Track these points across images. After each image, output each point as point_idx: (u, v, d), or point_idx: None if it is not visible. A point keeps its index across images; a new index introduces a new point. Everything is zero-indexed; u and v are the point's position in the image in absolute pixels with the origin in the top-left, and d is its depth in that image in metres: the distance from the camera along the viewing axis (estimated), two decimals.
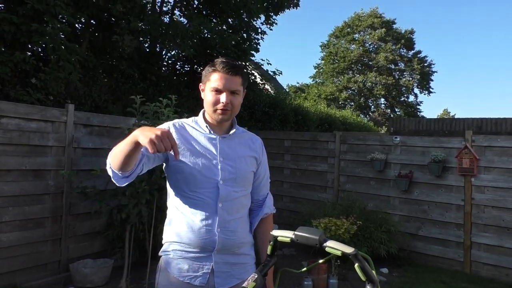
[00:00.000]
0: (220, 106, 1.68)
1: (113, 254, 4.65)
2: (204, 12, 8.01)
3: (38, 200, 4.30)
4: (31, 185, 4.22)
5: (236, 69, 1.69)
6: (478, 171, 5.37)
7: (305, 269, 1.54)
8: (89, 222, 4.77)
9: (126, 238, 4.31)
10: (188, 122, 1.82)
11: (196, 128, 1.78)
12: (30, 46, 5.43)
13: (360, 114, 24.79)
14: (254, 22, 8.33)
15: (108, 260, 4.53)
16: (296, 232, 1.34)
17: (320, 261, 1.48)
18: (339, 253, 1.24)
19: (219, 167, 1.72)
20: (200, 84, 1.79)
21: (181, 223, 1.71)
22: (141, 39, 7.24)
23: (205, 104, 1.75)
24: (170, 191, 1.79)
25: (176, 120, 1.83)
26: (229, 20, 7.86)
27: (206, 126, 1.76)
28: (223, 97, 1.67)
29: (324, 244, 1.28)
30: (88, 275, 4.22)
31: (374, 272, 1.25)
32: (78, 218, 4.67)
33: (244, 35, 7.90)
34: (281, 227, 1.60)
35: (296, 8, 8.64)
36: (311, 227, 1.38)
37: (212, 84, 1.69)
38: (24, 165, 4.15)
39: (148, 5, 7.31)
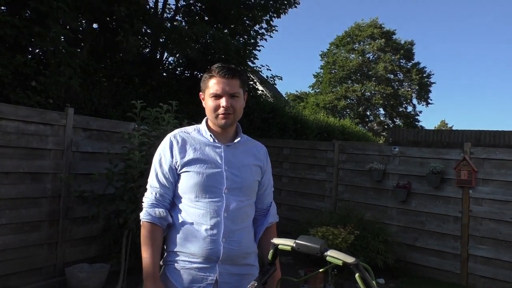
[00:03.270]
0: (221, 111, 1.67)
1: (110, 259, 4.62)
2: (206, 18, 8.05)
3: (35, 204, 4.27)
4: (28, 188, 4.20)
5: (233, 72, 1.68)
6: (476, 183, 5.38)
7: (305, 277, 1.54)
8: (86, 226, 4.74)
9: (123, 243, 4.29)
10: (190, 131, 1.80)
11: (199, 137, 1.76)
12: (31, 49, 5.44)
13: (359, 124, 24.84)
14: (256, 27, 8.36)
15: (104, 265, 4.50)
16: (297, 241, 1.34)
17: (321, 270, 1.48)
18: (340, 262, 1.24)
19: (224, 176, 1.69)
20: (200, 93, 1.78)
21: (185, 232, 1.68)
22: (142, 43, 7.26)
23: (207, 112, 1.74)
24: (174, 200, 1.76)
25: (177, 131, 1.81)
26: (231, 26, 7.89)
27: (210, 135, 1.75)
28: (223, 101, 1.66)
29: (325, 253, 1.28)
30: (84, 280, 4.19)
31: (374, 282, 1.25)
32: (75, 222, 4.65)
33: (245, 39, 7.93)
34: (279, 235, 1.60)
35: (296, 7, 8.69)
36: (312, 236, 1.38)
37: (211, 90, 1.68)
38: (22, 168, 4.13)
39: (151, 10, 7.34)
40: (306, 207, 6.94)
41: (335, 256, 1.25)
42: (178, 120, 4.35)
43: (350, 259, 1.22)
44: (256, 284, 1.35)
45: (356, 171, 6.54)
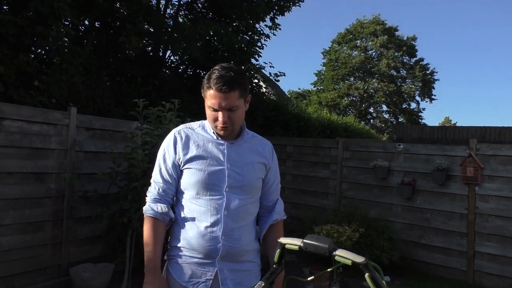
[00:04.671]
0: (219, 123, 1.65)
1: (114, 258, 4.61)
2: (208, 16, 8.02)
3: (39, 204, 4.26)
4: (32, 188, 4.18)
5: (230, 85, 1.60)
6: (482, 180, 5.34)
7: (312, 277, 1.51)
8: (90, 226, 4.73)
9: (127, 242, 4.27)
10: (194, 127, 1.79)
11: (203, 134, 1.76)
12: (33, 49, 5.43)
13: (362, 121, 24.78)
14: (258, 26, 8.34)
15: (108, 265, 4.48)
16: (304, 240, 1.32)
17: (329, 269, 1.45)
18: (349, 262, 1.22)
19: (226, 174, 1.69)
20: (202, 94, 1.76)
21: (186, 228, 1.69)
22: (145, 42, 7.24)
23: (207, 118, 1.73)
24: (177, 195, 1.78)
25: (181, 127, 1.80)
26: (234, 24, 7.86)
27: (214, 132, 1.74)
28: (220, 116, 1.64)
29: (334, 253, 1.25)
30: (88, 280, 4.18)
31: (384, 282, 1.22)
32: (79, 222, 4.64)
33: (248, 37, 7.90)
34: (283, 233, 1.61)
35: (300, 6, 8.67)
36: (319, 235, 1.35)
37: (208, 102, 1.66)
38: (26, 168, 4.12)
39: (154, 7, 7.31)
40: (310, 205, 6.92)
41: (344, 255, 1.23)
42: (181, 119, 4.33)
43: (359, 259, 1.19)
44: (263, 284, 1.32)
45: (360, 169, 6.51)
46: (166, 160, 1.74)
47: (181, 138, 1.74)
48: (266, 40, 8.61)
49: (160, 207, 1.70)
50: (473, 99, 63.18)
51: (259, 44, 8.35)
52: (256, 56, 8.05)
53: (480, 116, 65.01)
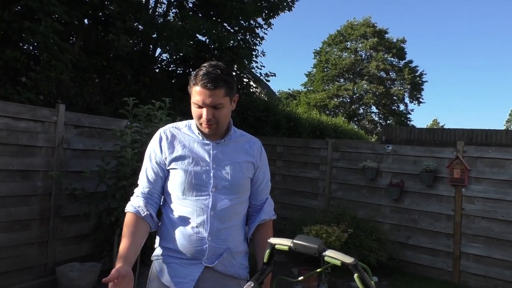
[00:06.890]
0: (203, 120, 1.64)
1: (101, 258, 4.56)
2: (198, 15, 8.00)
3: (26, 202, 4.20)
4: (18, 186, 4.12)
5: (216, 82, 1.58)
6: (468, 182, 5.40)
7: (301, 278, 1.51)
8: (77, 224, 4.67)
9: (114, 241, 4.24)
10: (181, 127, 1.78)
11: (189, 134, 1.74)
12: (21, 44, 5.35)
13: (351, 122, 24.91)
14: (253, 24, 8.32)
15: (95, 264, 4.44)
16: (294, 241, 1.32)
17: (318, 270, 1.46)
18: (338, 263, 1.22)
19: (211, 174, 1.67)
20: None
21: (173, 229, 1.67)
22: (135, 39, 7.19)
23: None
24: (164, 196, 1.76)
25: (168, 126, 1.79)
26: (225, 24, 7.84)
27: (199, 133, 1.72)
28: (204, 113, 1.62)
29: (323, 254, 1.26)
30: (75, 279, 4.13)
31: (373, 282, 1.23)
32: (66, 221, 4.58)
33: (240, 36, 7.89)
34: (272, 233, 1.61)
35: (290, 11, 8.69)
36: (309, 236, 1.36)
37: (193, 98, 1.64)
38: (12, 165, 4.06)
39: (142, 4, 7.26)
40: (299, 205, 6.94)
41: (333, 256, 1.23)
42: (171, 117, 4.30)
43: (348, 259, 1.20)
44: (252, 285, 1.32)
45: (349, 169, 6.54)
46: (152, 160, 1.73)
47: (167, 138, 1.72)
48: (261, 41, 8.60)
49: (137, 201, 1.67)
50: (461, 102, 63.99)
51: (252, 44, 8.33)
52: (250, 56, 8.01)
53: (468, 119, 65.91)
